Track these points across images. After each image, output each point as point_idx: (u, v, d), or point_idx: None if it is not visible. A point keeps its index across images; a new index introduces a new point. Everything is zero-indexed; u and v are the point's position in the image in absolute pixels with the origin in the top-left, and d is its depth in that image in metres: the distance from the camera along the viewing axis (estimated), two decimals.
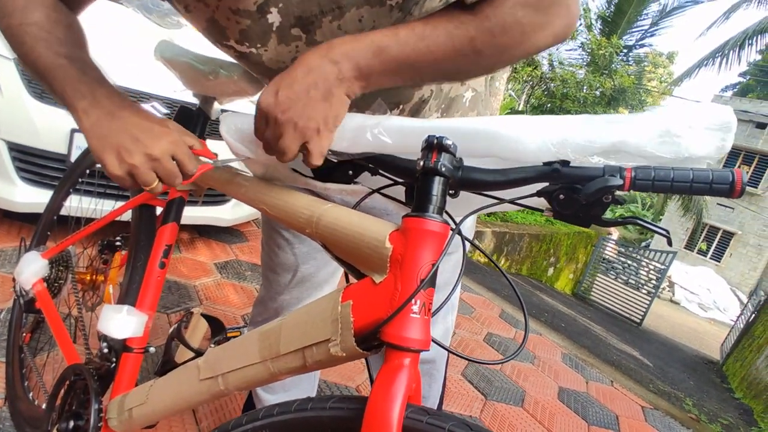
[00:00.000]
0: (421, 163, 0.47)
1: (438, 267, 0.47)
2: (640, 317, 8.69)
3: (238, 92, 0.81)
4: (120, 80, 1.69)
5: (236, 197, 0.71)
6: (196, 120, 0.85)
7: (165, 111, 1.74)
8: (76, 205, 1.10)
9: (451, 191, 0.51)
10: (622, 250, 10.59)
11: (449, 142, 0.47)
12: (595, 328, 5.02)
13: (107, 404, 0.74)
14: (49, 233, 1.09)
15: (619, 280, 9.73)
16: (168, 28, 2.10)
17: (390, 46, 0.53)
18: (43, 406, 0.92)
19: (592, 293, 9.58)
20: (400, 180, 0.56)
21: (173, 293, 1.81)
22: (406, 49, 0.53)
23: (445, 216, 0.48)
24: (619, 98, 8.81)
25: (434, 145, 0.47)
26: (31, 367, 0.99)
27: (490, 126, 0.50)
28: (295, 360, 0.52)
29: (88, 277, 1.00)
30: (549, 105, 8.56)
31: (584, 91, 8.45)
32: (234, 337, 1.67)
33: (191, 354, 0.81)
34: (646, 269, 9.56)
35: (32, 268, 0.89)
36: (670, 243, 0.50)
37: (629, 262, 10.06)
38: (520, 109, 10.22)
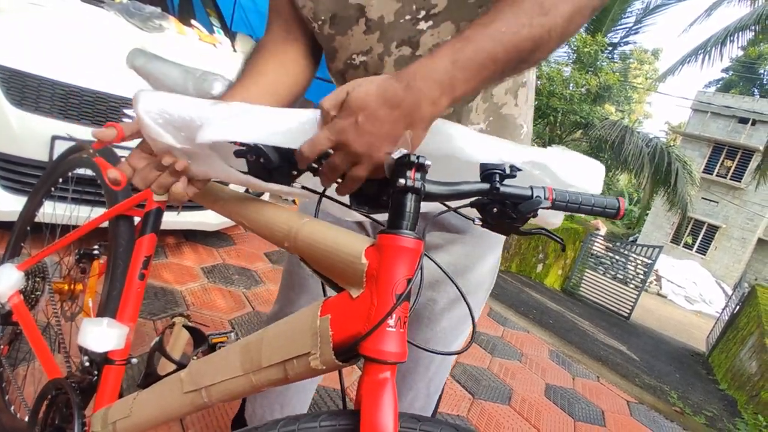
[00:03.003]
0: (402, 181, 0.48)
1: (413, 282, 0.48)
2: (628, 311, 8.80)
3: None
4: (103, 86, 1.67)
5: (214, 210, 0.72)
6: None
7: None
8: (51, 212, 1.09)
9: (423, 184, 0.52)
10: (610, 245, 10.71)
11: (428, 162, 0.49)
12: (583, 323, 5.09)
13: (91, 417, 0.74)
14: (23, 243, 1.08)
15: (608, 275, 9.85)
16: (150, 31, 2.08)
17: (464, 48, 0.52)
18: (26, 418, 0.92)
19: (581, 289, 9.68)
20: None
21: (159, 299, 1.80)
22: (483, 45, 0.52)
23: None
24: (605, 95, 8.92)
25: (414, 164, 0.48)
26: (11, 380, 0.98)
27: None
28: (277, 372, 0.53)
29: (66, 287, 0.99)
30: (536, 102, 8.62)
31: (570, 88, 8.53)
32: (221, 342, 1.66)
33: (174, 365, 0.81)
34: (634, 264, 9.70)
35: (8, 281, 0.89)
36: (563, 249, 0.58)
37: (617, 257, 10.20)
38: None
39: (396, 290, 0.46)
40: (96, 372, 0.76)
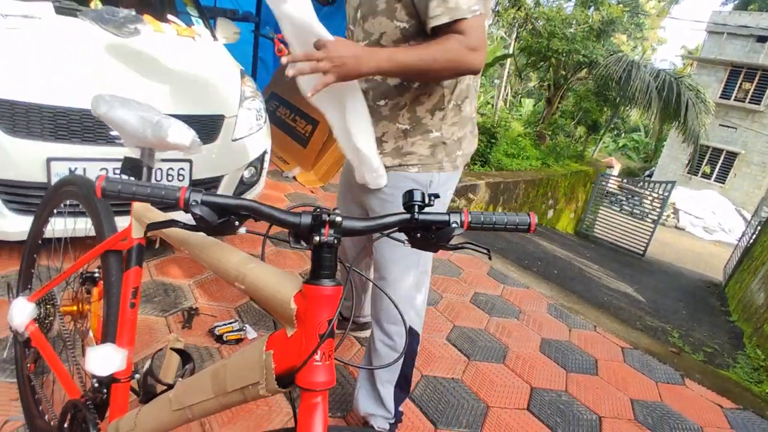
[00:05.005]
0: (317, 238, 0.56)
1: (334, 321, 0.57)
2: (644, 248, 8.86)
3: (173, 147, 0.87)
4: (87, 103, 1.73)
5: (184, 251, 0.81)
6: (140, 169, 0.92)
7: None
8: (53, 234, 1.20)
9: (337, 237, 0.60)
10: (622, 183, 10.61)
11: (338, 219, 0.56)
12: (591, 268, 5.18)
13: (106, 427, 0.88)
14: (32, 271, 1.20)
15: (624, 212, 9.83)
16: (126, 36, 2.11)
17: (399, 57, 1.02)
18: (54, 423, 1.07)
19: (595, 230, 9.72)
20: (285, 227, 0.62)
21: (169, 295, 1.94)
22: (407, 63, 1.02)
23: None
24: (609, 30, 8.54)
25: (326, 222, 0.56)
26: (40, 392, 1.13)
27: None
28: (238, 396, 0.64)
29: (75, 308, 1.12)
30: (536, 46, 8.33)
31: (572, 27, 8.18)
32: (228, 332, 1.80)
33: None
34: (650, 198, 9.62)
35: (22, 314, 1.01)
36: (489, 257, 0.67)
37: (632, 194, 10.13)
38: (510, 52, 9.96)
39: (319, 331, 0.56)
40: (105, 390, 0.89)
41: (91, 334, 1.01)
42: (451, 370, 1.89)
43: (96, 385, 0.88)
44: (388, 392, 1.35)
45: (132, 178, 0.81)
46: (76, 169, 1.71)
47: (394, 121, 1.19)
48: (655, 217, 9.04)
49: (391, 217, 0.64)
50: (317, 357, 0.55)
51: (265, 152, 2.55)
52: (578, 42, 8.02)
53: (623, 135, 24.43)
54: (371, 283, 1.78)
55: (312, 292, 0.56)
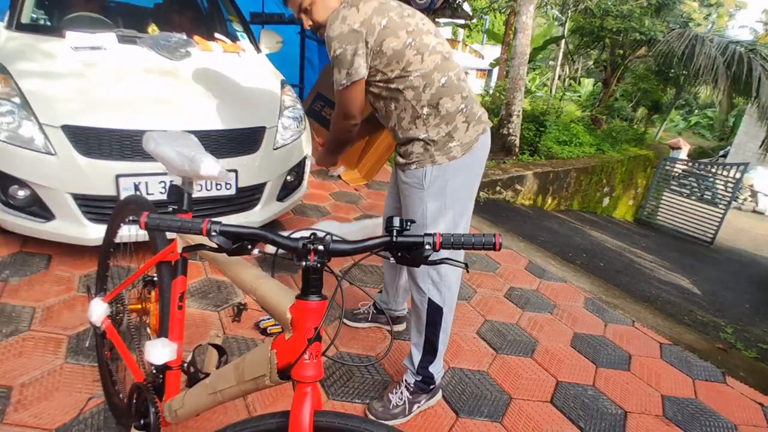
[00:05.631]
0: (303, 263, 0.70)
1: (320, 328, 0.71)
2: (712, 235, 8.29)
3: (205, 177, 1.04)
4: (145, 124, 1.98)
5: (214, 266, 0.98)
6: (182, 195, 1.10)
7: None
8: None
9: (326, 261, 0.74)
10: (689, 166, 9.93)
11: (321, 248, 0.70)
12: (644, 259, 4.98)
13: (163, 406, 1.08)
14: (107, 274, 1.44)
15: (693, 196, 9.21)
16: (178, 59, 2.36)
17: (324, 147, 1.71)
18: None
19: (658, 216, 9.21)
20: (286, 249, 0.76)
21: (222, 292, 2.18)
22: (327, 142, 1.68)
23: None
24: (669, 3, 7.96)
25: (310, 250, 0.70)
26: (115, 375, 1.37)
27: None
28: (252, 384, 0.80)
29: (140, 307, 1.34)
30: (588, 26, 7.91)
31: (628, 3, 7.71)
32: (271, 325, 1.99)
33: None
34: (723, 181, 8.94)
35: (99, 312, 1.23)
36: (467, 270, 0.78)
37: (700, 177, 9.46)
38: (561, 34, 9.56)
39: (307, 336, 0.70)
40: (161, 376, 1.09)
41: (148, 329, 1.22)
42: (477, 363, 1.99)
43: (154, 371, 1.09)
44: (416, 353, 1.63)
45: (169, 214, 0.99)
46: (139, 183, 1.97)
47: (396, 137, 1.50)
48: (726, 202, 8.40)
49: (375, 240, 0.76)
50: (306, 356, 0.70)
51: (305, 157, 2.73)
52: (634, 19, 7.55)
53: (696, 112, 22.59)
54: (402, 278, 1.93)
55: (301, 306, 0.70)
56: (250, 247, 0.80)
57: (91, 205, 1.97)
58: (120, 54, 2.28)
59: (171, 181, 1.12)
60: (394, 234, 0.75)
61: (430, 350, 1.59)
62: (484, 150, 1.54)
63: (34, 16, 2.59)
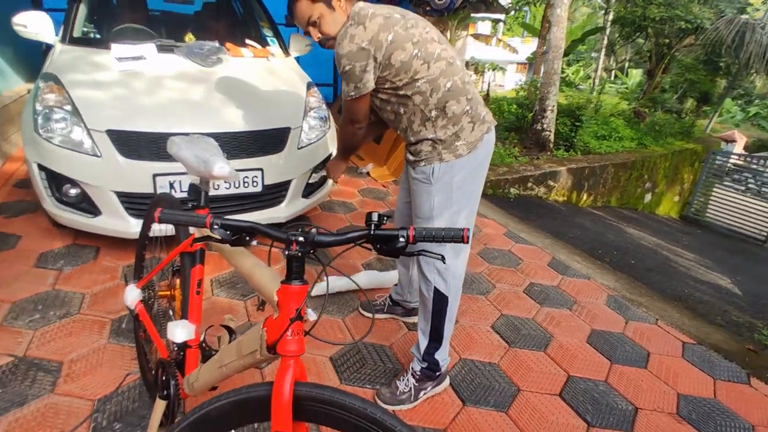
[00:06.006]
0: (285, 252, 0.80)
1: (302, 309, 0.80)
2: (767, 233, 7.81)
3: (217, 178, 1.16)
4: (180, 127, 2.15)
5: (221, 255, 1.10)
6: (199, 192, 1.23)
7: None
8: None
9: (311, 251, 0.83)
10: (741, 160, 9.37)
11: (301, 239, 0.80)
12: (683, 257, 4.80)
13: (183, 379, 1.22)
14: (143, 264, 1.61)
15: (749, 192, 8.68)
16: (210, 66, 2.53)
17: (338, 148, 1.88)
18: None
19: (707, 214, 8.77)
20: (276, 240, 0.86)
21: (241, 280, 2.33)
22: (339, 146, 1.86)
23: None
24: None
25: (292, 241, 0.80)
26: (149, 356, 1.53)
27: None
28: (249, 359, 0.91)
29: (170, 292, 1.49)
30: (630, 16, 7.59)
31: None
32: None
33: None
34: None
35: (132, 296, 1.39)
36: (443, 261, 0.84)
37: (758, 171, 8.90)
38: (601, 25, 9.23)
39: (290, 316, 0.80)
40: (182, 353, 1.22)
41: (171, 312, 1.37)
42: (489, 355, 2.04)
43: (176, 349, 1.23)
44: (422, 340, 1.72)
45: (183, 210, 1.12)
46: (174, 181, 2.15)
47: (407, 138, 1.59)
48: None
49: (355, 233, 0.85)
50: (289, 334, 0.80)
51: (330, 155, 2.85)
52: (680, 7, 7.19)
53: (756, 102, 21.12)
54: (413, 271, 2.02)
55: (285, 290, 0.80)
56: (248, 238, 0.91)
57: (132, 202, 2.17)
58: (158, 63, 2.48)
59: (190, 181, 1.26)
60: (372, 228, 0.84)
61: (435, 337, 1.67)
62: (489, 147, 1.62)
63: (85, 29, 2.84)
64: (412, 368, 1.72)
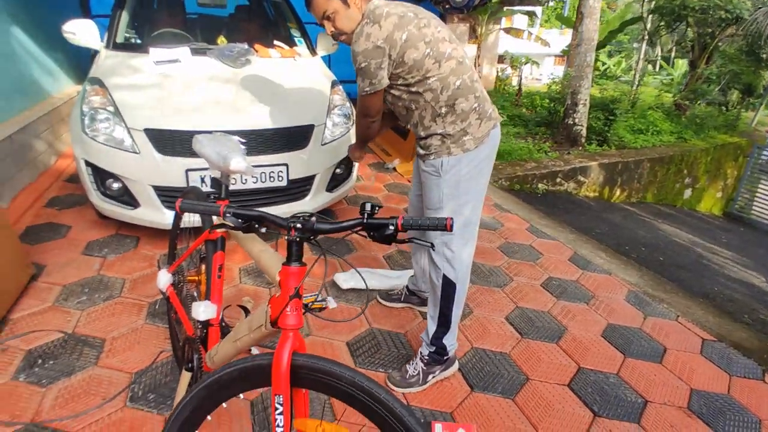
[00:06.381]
0: (285, 238, 0.91)
1: (300, 287, 0.91)
2: None
3: (234, 172, 1.28)
4: (211, 125, 2.31)
5: (239, 243, 1.22)
6: (220, 185, 1.36)
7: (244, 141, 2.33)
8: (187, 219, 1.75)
9: (311, 237, 0.93)
10: None
11: (299, 226, 0.90)
12: (718, 255, 4.63)
13: (206, 354, 1.35)
14: (175, 251, 1.76)
15: None
16: (240, 67, 2.68)
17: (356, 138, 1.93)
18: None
19: (751, 210, 8.35)
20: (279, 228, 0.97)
21: None
22: (357, 137, 1.92)
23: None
24: None
25: (291, 227, 0.90)
26: (179, 335, 1.69)
27: None
28: (257, 333, 1.02)
29: (197, 278, 1.63)
30: (668, 5, 7.27)
31: None
32: (313, 302, 2.24)
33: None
34: None
35: (165, 280, 1.54)
36: (432, 248, 0.92)
37: None
38: (639, 13, 8.89)
39: (289, 293, 0.90)
40: (205, 330, 1.36)
41: (197, 294, 1.51)
42: (500, 345, 2.10)
43: (199, 326, 1.36)
44: (431, 325, 1.79)
45: (203, 201, 1.24)
46: (204, 176, 2.30)
47: (418, 133, 1.67)
48: None
49: (351, 221, 0.94)
50: (288, 309, 0.90)
51: None
52: None
53: None
54: (423, 260, 2.10)
55: (285, 270, 0.91)
56: (257, 225, 1.02)
57: (167, 195, 2.35)
58: (192, 65, 2.65)
59: (211, 176, 1.38)
60: (366, 217, 0.93)
61: (443, 323, 1.75)
62: (495, 142, 1.68)
63: (127, 35, 3.06)
64: (421, 352, 1.80)
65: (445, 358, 1.80)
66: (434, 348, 1.77)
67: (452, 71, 1.56)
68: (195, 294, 1.55)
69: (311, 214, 0.94)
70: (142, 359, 1.81)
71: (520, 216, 3.70)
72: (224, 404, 0.96)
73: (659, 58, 19.51)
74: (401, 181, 4.26)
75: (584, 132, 6.35)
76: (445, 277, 1.69)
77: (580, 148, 6.33)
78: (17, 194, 3.09)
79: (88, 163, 2.39)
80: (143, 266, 2.44)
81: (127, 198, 2.41)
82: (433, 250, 1.02)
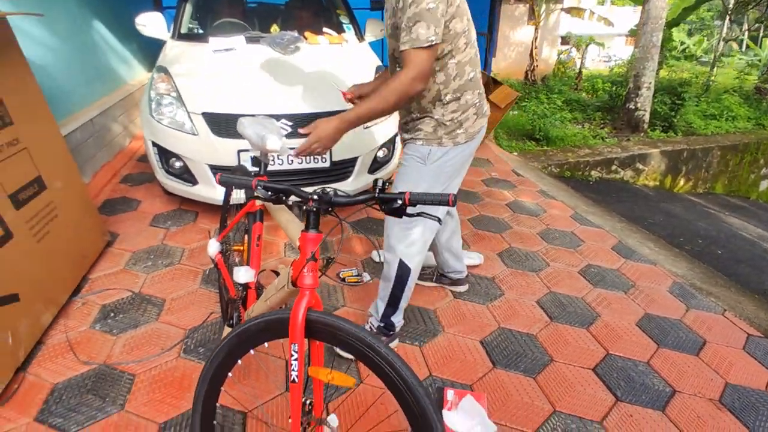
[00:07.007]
0: (303, 207, 1.03)
1: (316, 251, 1.03)
2: None
3: (271, 151, 1.41)
4: (263, 109, 2.48)
5: (270, 213, 1.36)
6: (260, 163, 1.51)
7: (290, 124, 2.49)
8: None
9: (329, 209, 1.05)
10: None
11: (315, 198, 1.02)
12: None
13: (245, 312, 1.52)
14: (225, 225, 1.95)
15: None
16: (289, 54, 2.84)
17: (363, 110, 1.40)
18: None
19: None
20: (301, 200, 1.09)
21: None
22: (369, 109, 1.41)
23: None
24: None
25: (309, 198, 1.02)
26: (225, 296, 1.89)
27: None
28: (281, 292, 1.16)
29: (242, 247, 1.81)
30: None
31: None
32: (349, 276, 2.37)
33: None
34: None
35: (213, 248, 1.73)
36: (440, 222, 1.01)
37: None
38: None
39: (307, 256, 1.03)
40: (244, 292, 1.53)
41: (238, 261, 1.69)
42: (528, 327, 2.13)
43: (240, 288, 1.53)
44: (380, 304, 1.86)
45: (243, 174, 1.39)
46: (254, 156, 2.49)
47: (409, 111, 1.65)
48: None
49: (364, 196, 1.05)
50: (305, 270, 1.03)
51: (396, 134, 3.05)
52: None
53: None
54: (438, 244, 2.16)
55: (304, 236, 1.03)
56: (284, 197, 1.15)
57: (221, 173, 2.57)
58: (246, 53, 2.84)
59: (252, 155, 1.54)
60: (377, 191, 1.03)
61: (392, 303, 1.82)
62: (481, 136, 1.70)
63: (190, 26, 3.31)
64: (371, 323, 1.90)
65: (391, 333, 1.89)
66: (383, 324, 1.86)
67: (470, 61, 1.53)
68: (238, 261, 1.73)
69: (333, 189, 1.05)
70: (195, 318, 2.03)
71: (565, 203, 3.63)
72: (252, 351, 1.11)
73: (745, 36, 17.79)
74: None
75: (647, 117, 6.02)
76: (401, 262, 1.73)
77: (642, 134, 6.02)
78: (97, 171, 3.48)
79: (154, 144, 2.66)
80: (200, 238, 2.70)
81: (187, 176, 2.66)
82: (440, 223, 1.10)
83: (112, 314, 2.05)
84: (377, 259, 2.51)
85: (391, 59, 1.59)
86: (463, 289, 2.36)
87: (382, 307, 1.85)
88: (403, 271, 1.75)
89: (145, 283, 2.27)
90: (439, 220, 1.07)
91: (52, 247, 1.97)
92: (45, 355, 1.80)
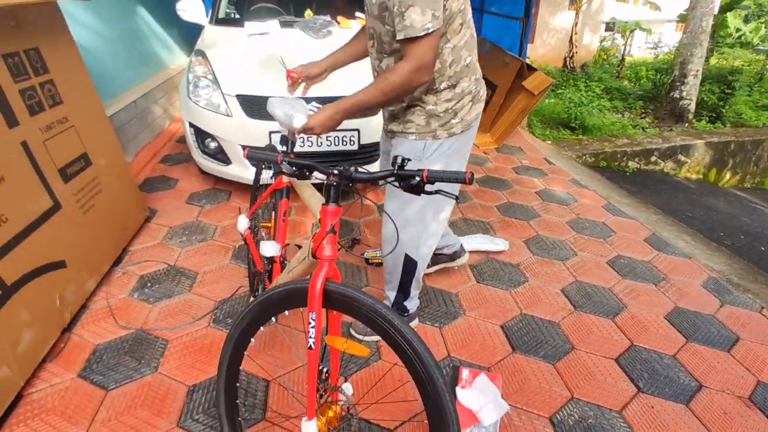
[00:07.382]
0: (326, 180, 1.07)
1: (337, 222, 1.07)
2: None
3: (297, 131, 1.46)
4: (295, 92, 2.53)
5: (295, 187, 1.41)
6: (288, 141, 1.55)
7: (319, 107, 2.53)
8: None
9: (349, 184, 1.08)
10: None
11: (336, 172, 1.05)
12: None
13: (270, 284, 1.59)
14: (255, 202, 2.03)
15: None
16: (321, 38, 2.87)
17: (357, 101, 1.33)
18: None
19: None
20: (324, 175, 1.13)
21: (343, 228, 2.69)
22: (364, 102, 1.33)
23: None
24: None
25: (330, 173, 1.06)
26: (253, 271, 1.96)
27: None
28: (303, 264, 1.21)
29: (270, 224, 1.88)
30: None
31: None
32: (373, 257, 2.41)
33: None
34: None
35: (242, 224, 1.80)
36: (457, 201, 1.02)
37: None
38: None
39: (326, 229, 1.07)
40: (270, 265, 1.59)
41: (265, 236, 1.75)
42: (551, 314, 2.12)
43: (266, 262, 1.60)
44: (390, 292, 1.85)
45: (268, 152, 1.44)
46: (283, 135, 2.55)
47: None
48: None
49: (383, 172, 1.08)
50: (324, 242, 1.07)
51: None
52: None
53: None
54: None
55: (324, 210, 1.07)
56: (308, 173, 1.19)
57: None
58: (280, 37, 2.90)
59: (281, 134, 1.59)
60: (396, 168, 1.05)
61: (402, 292, 1.81)
62: (477, 124, 1.59)
63: (228, 11, 3.39)
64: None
65: (406, 315, 1.88)
66: (397, 308, 1.85)
67: (467, 44, 1.41)
68: (266, 236, 1.80)
69: (353, 165, 1.08)
70: (224, 291, 2.13)
71: (598, 193, 3.54)
72: (273, 319, 1.17)
73: None
74: (475, 152, 4.25)
75: (692, 107, 5.75)
76: (407, 256, 1.71)
77: (686, 124, 5.76)
78: (139, 151, 3.64)
79: (191, 125, 2.76)
80: (232, 216, 2.80)
81: (221, 156, 2.76)
82: (457, 201, 1.12)
83: (149, 284, 2.17)
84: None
85: (369, 36, 1.51)
86: (464, 260, 2.30)
87: (392, 295, 1.85)
88: (408, 261, 1.73)
89: (180, 256, 2.39)
90: (457, 199, 1.09)
91: (96, 219, 2.09)
92: (88, 319, 1.94)
